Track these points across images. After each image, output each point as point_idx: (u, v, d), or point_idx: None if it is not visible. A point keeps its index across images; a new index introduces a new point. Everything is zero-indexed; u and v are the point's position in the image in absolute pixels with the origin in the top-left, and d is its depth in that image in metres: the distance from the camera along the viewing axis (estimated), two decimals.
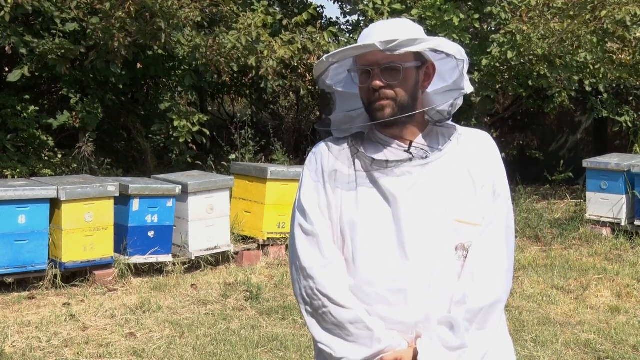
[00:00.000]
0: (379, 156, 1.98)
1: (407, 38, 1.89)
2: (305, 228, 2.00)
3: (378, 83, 1.92)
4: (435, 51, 1.94)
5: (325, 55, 1.98)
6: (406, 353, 1.90)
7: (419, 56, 1.96)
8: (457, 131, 2.02)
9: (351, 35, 10.08)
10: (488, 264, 1.92)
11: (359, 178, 1.98)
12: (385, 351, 1.90)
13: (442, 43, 1.93)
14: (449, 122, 2.05)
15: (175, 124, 8.29)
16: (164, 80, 9.67)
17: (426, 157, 1.96)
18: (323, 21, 11.15)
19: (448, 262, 1.92)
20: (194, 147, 8.92)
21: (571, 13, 8.25)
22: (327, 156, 2.04)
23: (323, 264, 1.95)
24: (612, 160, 7.63)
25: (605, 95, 9.84)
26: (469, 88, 2.00)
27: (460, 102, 2.02)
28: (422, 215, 1.92)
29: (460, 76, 1.98)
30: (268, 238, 6.87)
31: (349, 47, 1.93)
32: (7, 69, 8.94)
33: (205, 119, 8.62)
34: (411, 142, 1.99)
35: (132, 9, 7.02)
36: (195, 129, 8.37)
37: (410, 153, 1.97)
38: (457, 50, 1.95)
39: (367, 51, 1.91)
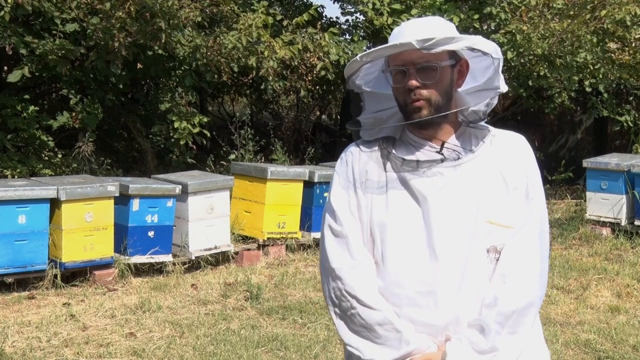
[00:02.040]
0: (410, 157, 1.95)
1: (444, 36, 1.86)
2: (334, 229, 1.97)
3: (414, 83, 1.89)
4: (472, 49, 1.90)
5: (359, 55, 1.94)
6: (435, 356, 1.85)
7: (453, 54, 1.93)
8: (490, 133, 1.99)
9: (351, 36, 10.08)
10: (520, 267, 1.87)
11: (390, 180, 1.95)
12: (414, 353, 1.85)
13: (479, 41, 1.90)
14: (483, 123, 2.01)
15: (176, 125, 8.29)
16: (163, 80, 9.68)
17: (458, 158, 1.93)
18: (323, 21, 11.15)
19: (479, 264, 1.87)
20: (194, 148, 8.93)
21: (571, 13, 8.25)
22: (358, 158, 2.01)
23: (352, 265, 1.92)
24: (612, 160, 7.63)
25: (606, 95, 9.84)
26: (504, 87, 1.96)
27: (495, 101, 1.99)
28: (453, 216, 1.88)
29: (494, 74, 1.95)
30: (268, 238, 6.87)
31: (384, 46, 1.88)
32: (6, 69, 8.95)
33: (205, 120, 8.62)
34: (443, 142, 1.96)
35: (132, 9, 7.02)
36: (196, 130, 8.37)
37: (442, 154, 1.94)
38: (492, 49, 1.92)
39: (403, 50, 1.87)
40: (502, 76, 1.96)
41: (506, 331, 1.84)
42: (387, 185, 1.95)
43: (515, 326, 1.85)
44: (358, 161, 2.01)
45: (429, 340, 1.87)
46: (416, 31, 1.90)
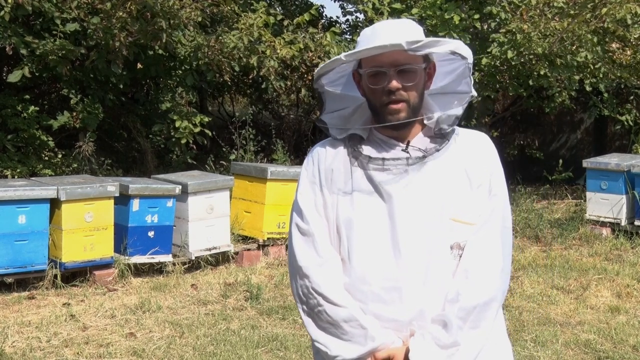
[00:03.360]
0: (376, 155, 1.99)
1: (431, 39, 1.90)
2: (301, 228, 2.01)
3: (396, 84, 1.92)
4: (454, 53, 1.95)
5: (344, 54, 1.95)
6: (399, 351, 1.90)
7: (425, 57, 1.97)
8: (454, 131, 2.03)
9: (351, 36, 10.08)
10: (482, 262, 1.92)
11: (356, 177, 1.99)
12: (379, 349, 1.90)
13: (460, 45, 1.95)
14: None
15: (177, 124, 8.29)
16: (163, 80, 9.67)
17: (424, 156, 1.97)
18: (324, 21, 11.16)
19: (443, 260, 1.92)
20: (194, 147, 8.93)
21: (571, 12, 8.25)
22: (324, 157, 2.05)
23: (319, 263, 1.97)
24: (612, 160, 7.63)
25: (606, 95, 9.84)
26: (474, 91, 2.03)
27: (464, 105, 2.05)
28: (418, 213, 1.92)
29: (468, 79, 2.00)
30: (268, 238, 6.87)
31: (372, 46, 1.90)
32: (7, 69, 8.95)
33: (206, 119, 8.63)
34: (408, 141, 2.00)
35: (133, 9, 7.03)
36: (197, 129, 8.37)
37: (408, 152, 1.98)
38: (469, 54, 1.97)
39: (391, 50, 1.89)
40: (472, 80, 2.02)
41: (468, 326, 1.89)
42: (353, 183, 1.99)
43: (476, 321, 1.90)
44: (324, 160, 2.04)
45: (394, 336, 1.92)
46: (390, 33, 1.93)
